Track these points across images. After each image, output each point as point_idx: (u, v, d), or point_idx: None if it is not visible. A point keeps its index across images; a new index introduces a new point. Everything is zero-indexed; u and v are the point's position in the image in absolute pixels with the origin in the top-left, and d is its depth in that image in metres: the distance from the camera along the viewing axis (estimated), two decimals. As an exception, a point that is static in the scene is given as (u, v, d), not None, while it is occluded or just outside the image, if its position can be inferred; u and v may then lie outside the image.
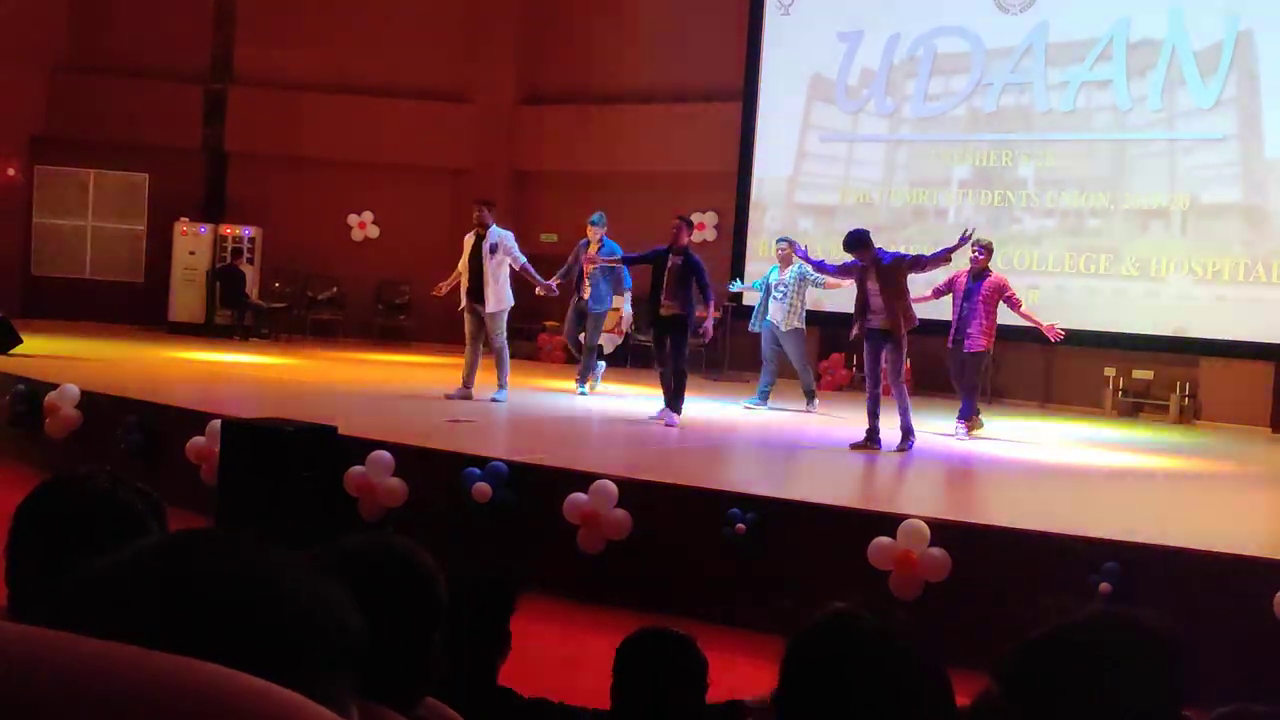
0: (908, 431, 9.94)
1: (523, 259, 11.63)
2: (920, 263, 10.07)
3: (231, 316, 18.59)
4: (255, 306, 18.70)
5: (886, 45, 16.35)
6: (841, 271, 10.57)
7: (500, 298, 11.42)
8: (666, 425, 10.62)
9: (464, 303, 11.52)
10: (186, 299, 19.04)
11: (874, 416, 9.94)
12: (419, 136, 19.33)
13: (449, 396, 11.30)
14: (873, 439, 9.91)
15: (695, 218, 17.91)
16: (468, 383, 11.46)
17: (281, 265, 19.31)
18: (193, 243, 19.12)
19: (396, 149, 19.24)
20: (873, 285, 9.91)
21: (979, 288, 11.29)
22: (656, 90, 18.17)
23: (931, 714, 1.57)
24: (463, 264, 11.55)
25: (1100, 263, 15.00)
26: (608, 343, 17.56)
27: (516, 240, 11.71)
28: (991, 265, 11.57)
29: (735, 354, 16.68)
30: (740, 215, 17.31)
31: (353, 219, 19.78)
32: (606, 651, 3.27)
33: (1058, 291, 15.17)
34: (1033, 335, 14.96)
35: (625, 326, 17.95)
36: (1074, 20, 15.20)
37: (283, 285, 19.37)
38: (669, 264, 10.95)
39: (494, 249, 11.38)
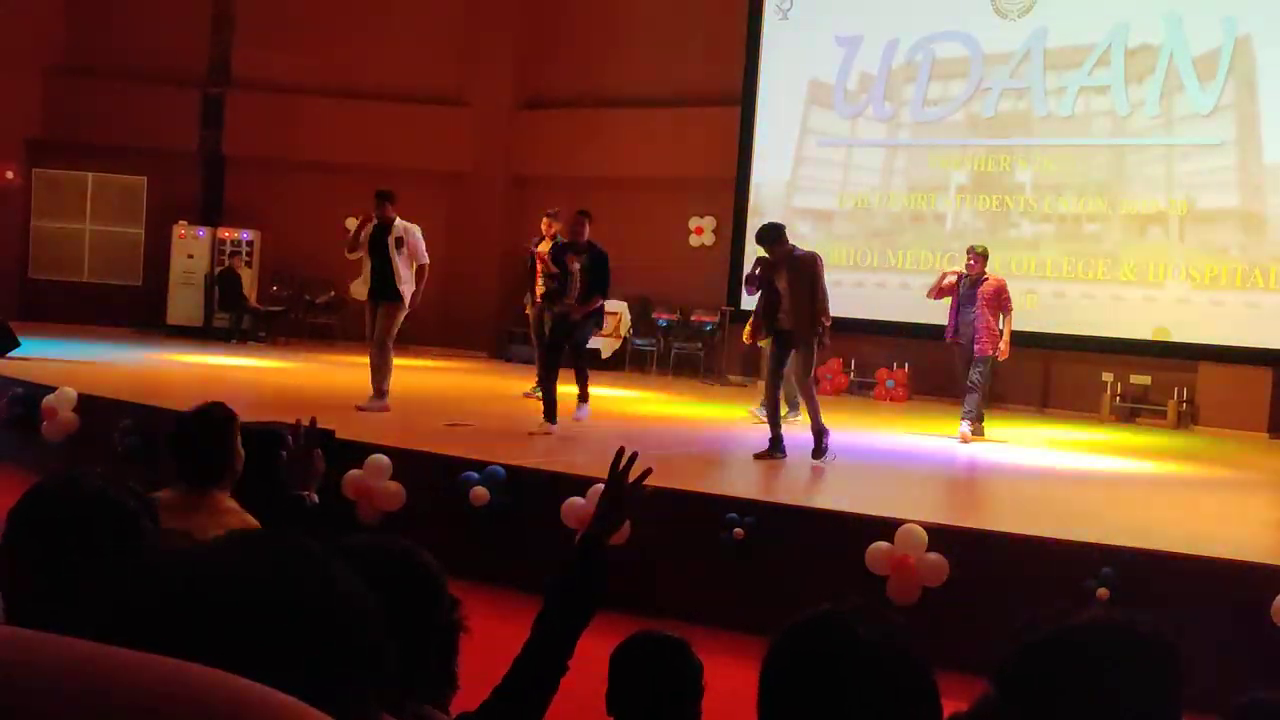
0: (820, 432, 9.34)
1: (426, 259, 10.93)
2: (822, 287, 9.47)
3: (229, 320, 18.59)
4: (253, 310, 18.70)
5: (885, 50, 16.36)
6: (749, 281, 9.89)
7: (410, 294, 10.75)
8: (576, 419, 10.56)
9: (366, 300, 10.83)
10: (184, 302, 19.05)
11: (775, 425, 9.41)
12: (417, 140, 19.32)
13: (359, 407, 10.41)
14: (777, 446, 9.35)
15: (693, 222, 17.97)
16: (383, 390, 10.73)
17: (279, 269, 19.32)
18: (191, 246, 19.13)
19: (394, 153, 19.20)
20: (782, 284, 9.41)
21: (975, 294, 11.41)
22: (655, 95, 18.17)
23: (916, 714, 1.56)
24: (364, 258, 10.85)
25: (1098, 268, 15.01)
26: (605, 347, 17.58)
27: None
28: (989, 270, 11.63)
29: (731, 360, 16.69)
30: (738, 220, 17.30)
31: (350, 223, 19.69)
32: (603, 655, 3.27)
33: (1055, 297, 15.18)
34: (1030, 340, 14.98)
35: (624, 331, 17.97)
36: (1072, 26, 15.21)
37: (280, 289, 19.37)
38: (576, 263, 10.51)
39: (399, 243, 10.71)
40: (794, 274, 9.34)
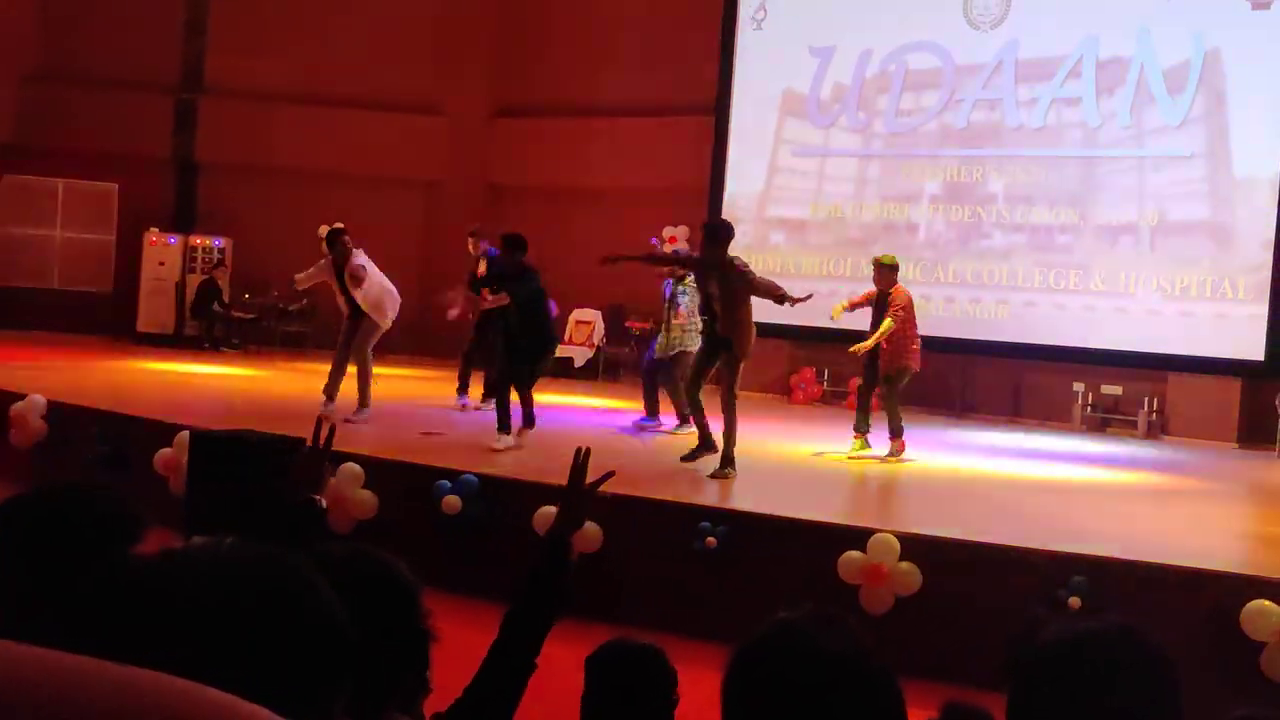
0: (729, 457, 8.90)
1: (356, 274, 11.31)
2: (757, 287, 9.09)
3: (200, 327, 18.51)
4: (225, 317, 18.62)
5: (858, 61, 16.43)
6: (659, 260, 10.42)
7: (379, 317, 11.38)
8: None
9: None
10: (155, 309, 18.95)
11: (703, 428, 9.22)
12: (392, 148, 19.29)
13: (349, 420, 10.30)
14: (706, 446, 9.14)
15: (667, 231, 17.95)
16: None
17: (252, 276, 19.23)
18: (162, 253, 19.04)
19: (369, 161, 19.18)
20: (714, 289, 9.13)
21: (884, 307, 10.58)
22: (629, 104, 18.19)
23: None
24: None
25: (1069, 278, 15.09)
26: (579, 355, 17.58)
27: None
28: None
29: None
30: (712, 229, 17.33)
31: (324, 230, 19.69)
32: (574, 663, 3.27)
33: (1026, 307, 15.26)
34: (1001, 350, 15.06)
35: (596, 340, 17.98)
36: (1044, 38, 15.31)
37: (253, 296, 19.29)
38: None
39: (354, 279, 11.12)
40: (724, 285, 9.02)
